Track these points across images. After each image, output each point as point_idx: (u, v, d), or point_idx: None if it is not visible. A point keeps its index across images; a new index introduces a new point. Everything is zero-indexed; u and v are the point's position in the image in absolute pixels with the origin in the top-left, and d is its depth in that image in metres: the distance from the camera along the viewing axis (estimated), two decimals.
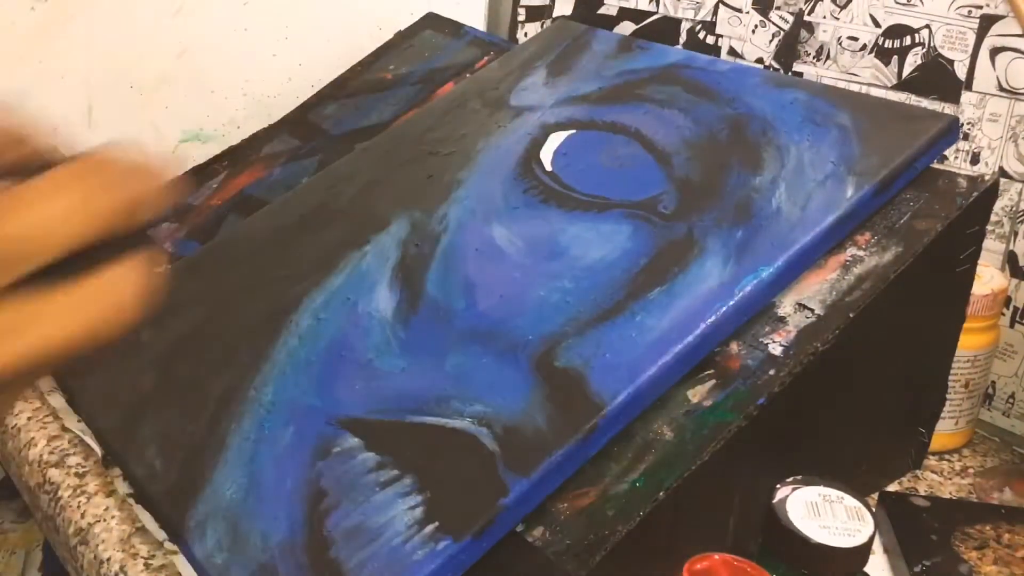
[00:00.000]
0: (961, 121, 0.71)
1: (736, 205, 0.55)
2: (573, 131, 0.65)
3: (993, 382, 0.71)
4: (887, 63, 0.76)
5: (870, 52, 0.77)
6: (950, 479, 0.64)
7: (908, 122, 0.57)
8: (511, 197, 0.61)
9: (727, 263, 0.52)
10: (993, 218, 0.68)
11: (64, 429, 0.63)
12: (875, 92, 0.76)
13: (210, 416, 0.55)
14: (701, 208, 0.56)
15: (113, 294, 0.30)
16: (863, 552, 0.38)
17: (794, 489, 0.40)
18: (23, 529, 0.87)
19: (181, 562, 0.51)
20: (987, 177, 0.55)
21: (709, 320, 0.49)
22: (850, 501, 0.40)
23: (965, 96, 0.71)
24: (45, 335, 0.29)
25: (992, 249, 0.70)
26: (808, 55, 0.81)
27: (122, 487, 0.57)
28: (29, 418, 0.65)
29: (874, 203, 0.54)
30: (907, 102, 0.74)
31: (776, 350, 0.50)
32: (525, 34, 1.04)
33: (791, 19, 0.82)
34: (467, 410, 0.49)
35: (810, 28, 0.80)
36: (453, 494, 0.46)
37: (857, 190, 0.54)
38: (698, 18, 0.89)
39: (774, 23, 0.83)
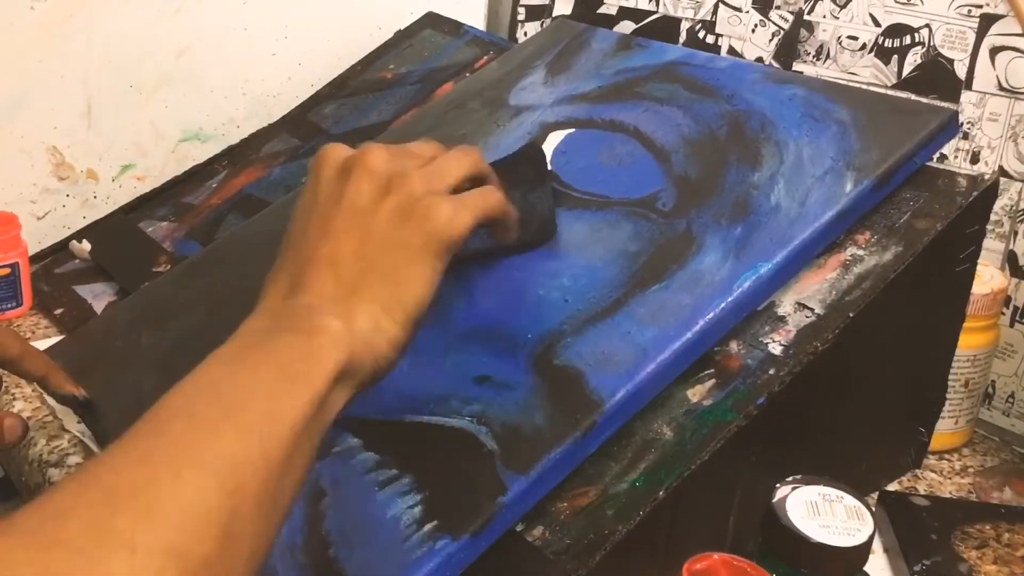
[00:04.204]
0: (961, 120, 0.71)
1: (735, 201, 0.55)
2: (572, 130, 0.65)
3: (993, 382, 0.71)
4: (887, 62, 0.76)
5: (870, 51, 0.77)
6: (950, 478, 0.64)
7: (907, 116, 0.57)
8: None
9: (726, 259, 0.52)
10: (993, 217, 0.68)
11: (63, 429, 0.63)
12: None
13: None
14: (700, 205, 0.56)
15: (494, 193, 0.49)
16: (863, 551, 0.38)
17: (794, 488, 0.40)
18: None
19: None
20: (987, 176, 0.55)
21: (708, 317, 0.49)
22: (850, 500, 0.40)
23: (965, 95, 0.71)
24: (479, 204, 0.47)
25: (992, 248, 0.70)
26: (808, 54, 0.81)
27: None
28: (29, 417, 0.65)
29: (873, 198, 0.54)
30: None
31: (776, 349, 0.50)
32: (525, 33, 1.04)
33: (791, 18, 0.82)
34: (466, 409, 0.49)
35: (810, 27, 0.80)
36: (452, 493, 0.46)
37: (856, 185, 0.54)
38: (698, 17, 0.89)
39: (774, 22, 0.83)
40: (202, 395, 0.38)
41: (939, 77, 0.73)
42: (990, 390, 0.71)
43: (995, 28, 0.69)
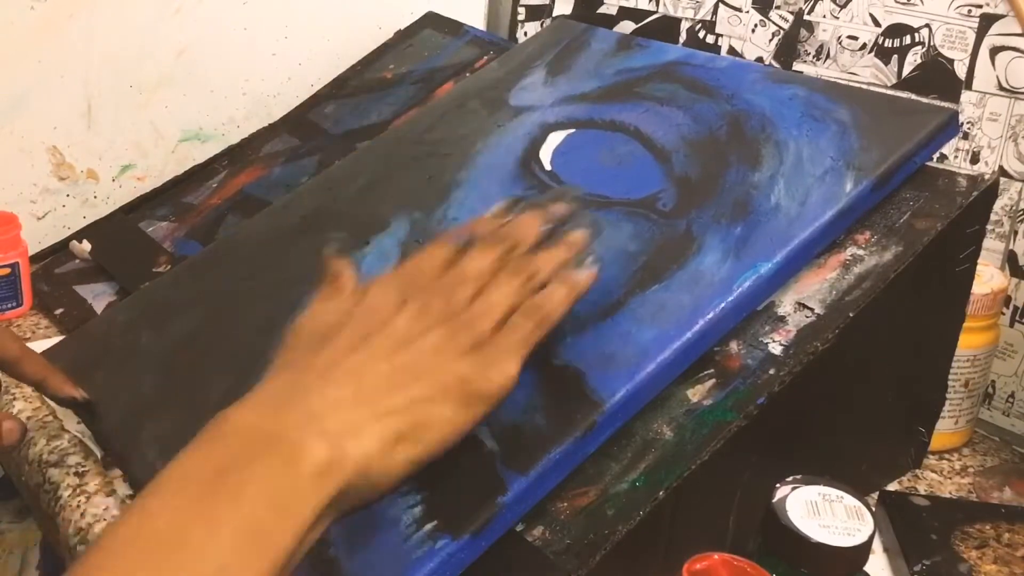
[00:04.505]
0: (961, 120, 0.71)
1: (735, 201, 0.55)
2: (572, 130, 0.65)
3: (993, 381, 0.71)
4: (887, 62, 0.76)
5: (870, 51, 0.77)
6: (950, 478, 0.64)
7: (907, 116, 0.57)
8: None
9: (726, 259, 0.52)
10: (993, 217, 0.68)
11: (63, 429, 0.63)
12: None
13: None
14: (700, 205, 0.56)
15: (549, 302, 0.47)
16: (863, 551, 0.38)
17: (794, 488, 0.40)
18: (20, 529, 0.87)
19: None
20: (987, 176, 0.55)
21: (708, 317, 0.49)
22: (850, 500, 0.40)
23: (965, 95, 0.71)
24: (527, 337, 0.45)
25: (992, 248, 0.70)
26: (808, 54, 0.81)
27: (122, 488, 0.57)
28: (28, 417, 0.65)
29: (873, 197, 0.54)
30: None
31: (776, 349, 0.50)
32: (525, 33, 1.04)
33: (791, 18, 0.82)
34: None
35: (810, 27, 0.80)
36: (452, 492, 0.46)
37: (856, 185, 0.54)
38: (698, 17, 0.89)
39: (774, 22, 0.83)
40: (161, 546, 0.34)
41: (939, 77, 0.73)
42: (990, 390, 0.71)
43: (995, 28, 0.69)
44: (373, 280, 0.45)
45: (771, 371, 0.49)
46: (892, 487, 0.62)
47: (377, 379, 0.40)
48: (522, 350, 0.44)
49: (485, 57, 0.89)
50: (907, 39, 0.74)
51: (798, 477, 0.41)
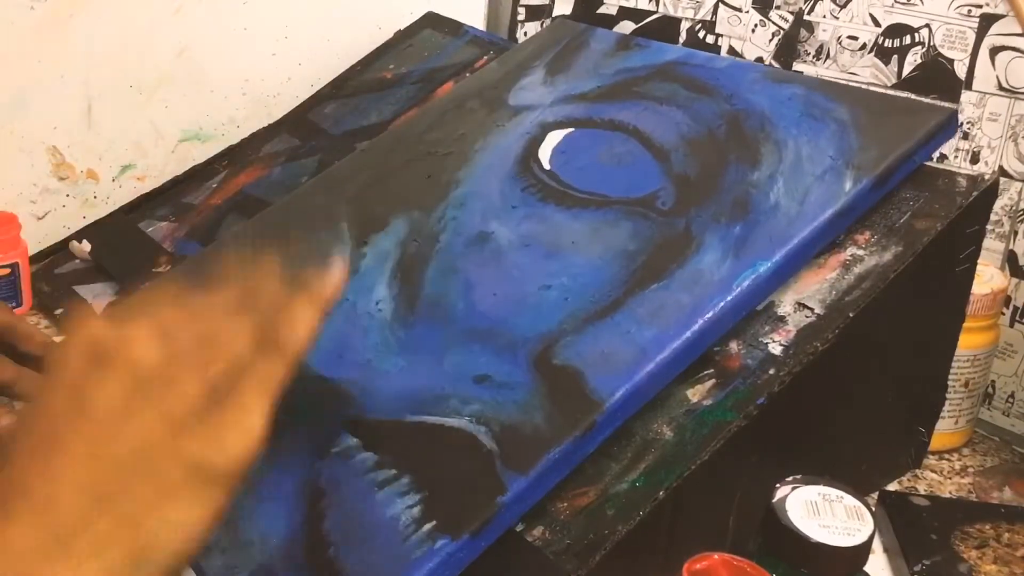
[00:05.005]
0: (961, 120, 0.71)
1: (734, 201, 0.55)
2: (571, 129, 0.65)
3: (993, 381, 0.71)
4: (887, 62, 0.76)
5: (870, 51, 0.77)
6: (950, 478, 0.64)
7: (906, 115, 0.57)
8: (510, 196, 0.61)
9: (725, 259, 0.52)
10: (993, 217, 0.68)
11: None
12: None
13: None
14: (699, 204, 0.56)
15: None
16: (863, 551, 0.38)
17: (794, 488, 0.40)
18: None
19: None
20: (987, 176, 0.55)
21: (707, 316, 0.49)
22: (850, 500, 0.40)
23: (965, 95, 0.71)
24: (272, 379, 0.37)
25: (992, 248, 0.70)
26: (808, 54, 0.81)
27: None
28: None
29: (872, 197, 0.54)
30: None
31: (776, 349, 0.50)
32: (525, 33, 1.04)
33: (791, 18, 0.82)
34: (465, 409, 0.49)
35: (810, 27, 0.80)
36: (451, 493, 0.46)
37: (855, 184, 0.54)
38: (698, 17, 0.89)
39: (774, 22, 0.83)
40: None
41: (939, 77, 0.72)
42: (990, 390, 0.71)
43: (995, 28, 0.69)
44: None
45: (771, 371, 0.49)
46: (892, 487, 0.62)
47: (73, 503, 0.32)
48: (264, 394, 0.35)
49: (485, 57, 0.89)
50: (907, 39, 0.74)
51: (798, 477, 0.40)
